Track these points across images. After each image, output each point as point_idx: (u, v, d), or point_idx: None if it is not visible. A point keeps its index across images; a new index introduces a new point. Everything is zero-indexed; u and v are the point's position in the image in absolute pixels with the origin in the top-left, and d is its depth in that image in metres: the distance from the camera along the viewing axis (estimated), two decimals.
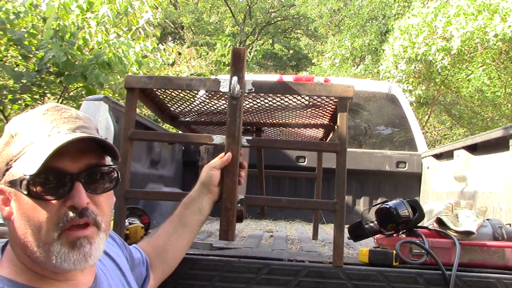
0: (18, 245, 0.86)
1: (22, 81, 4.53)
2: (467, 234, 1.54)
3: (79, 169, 0.86)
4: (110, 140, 1.97)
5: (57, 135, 0.86)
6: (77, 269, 0.86)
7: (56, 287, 0.88)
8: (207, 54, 10.72)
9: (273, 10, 20.36)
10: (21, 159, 0.84)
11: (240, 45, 16.53)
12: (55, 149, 0.81)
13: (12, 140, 0.87)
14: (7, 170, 0.86)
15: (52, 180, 0.84)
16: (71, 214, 0.84)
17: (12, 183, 0.85)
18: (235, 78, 1.44)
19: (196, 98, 1.88)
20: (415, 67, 9.34)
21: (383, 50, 10.91)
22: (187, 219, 1.37)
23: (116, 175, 0.92)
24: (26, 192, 0.83)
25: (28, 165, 0.82)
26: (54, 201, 0.84)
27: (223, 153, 1.45)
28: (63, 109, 0.92)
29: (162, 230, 1.36)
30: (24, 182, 0.82)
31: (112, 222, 1.58)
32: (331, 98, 1.72)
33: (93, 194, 0.88)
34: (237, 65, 1.45)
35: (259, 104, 1.90)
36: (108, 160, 0.94)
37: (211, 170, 1.41)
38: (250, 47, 16.07)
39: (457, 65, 9.36)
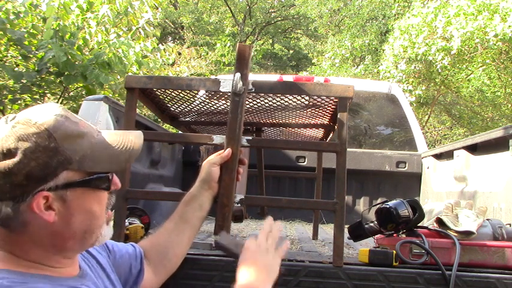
0: (40, 247, 0.89)
1: (22, 81, 4.53)
2: (467, 234, 1.54)
3: None
4: None
5: (106, 131, 0.98)
6: (104, 242, 1.02)
7: (53, 272, 0.91)
8: (207, 54, 10.72)
9: (273, 10, 20.36)
10: (87, 160, 0.90)
11: None
12: (138, 147, 0.98)
13: (57, 144, 0.87)
14: (54, 174, 0.86)
15: (110, 173, 0.96)
16: (112, 197, 1.00)
17: (69, 185, 0.88)
18: (238, 75, 1.43)
19: (196, 98, 1.88)
20: (415, 67, 9.34)
21: (383, 50, 10.92)
22: (188, 215, 1.37)
23: None
24: (104, 187, 0.93)
25: (103, 164, 0.92)
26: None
27: (223, 150, 1.45)
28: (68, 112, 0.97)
29: (163, 228, 1.37)
30: (103, 180, 0.93)
31: (112, 223, 1.58)
32: (331, 98, 1.72)
33: None
34: (241, 62, 1.44)
35: (259, 104, 1.90)
36: None
37: (211, 166, 1.41)
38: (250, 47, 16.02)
39: (457, 65, 9.36)
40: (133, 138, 0.99)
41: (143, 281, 1.23)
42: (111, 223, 1.02)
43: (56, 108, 0.90)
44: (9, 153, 0.83)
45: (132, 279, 1.21)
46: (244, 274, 1.10)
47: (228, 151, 1.43)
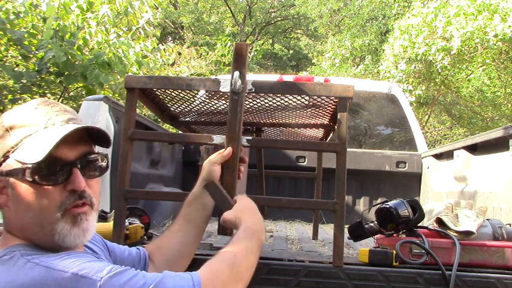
0: (15, 229, 0.94)
1: (22, 81, 4.53)
2: (467, 234, 1.54)
3: (75, 157, 0.96)
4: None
5: (53, 127, 0.95)
6: (77, 244, 0.95)
7: None
8: (207, 54, 10.72)
9: (273, 10, 20.36)
10: (21, 150, 0.92)
11: None
12: (62, 137, 0.90)
13: (8, 134, 0.94)
14: (3, 161, 0.93)
15: (53, 167, 0.92)
16: (72, 197, 0.94)
17: (10, 173, 0.92)
18: (236, 73, 1.44)
19: (196, 98, 1.88)
20: (415, 67, 9.34)
21: (383, 50, 10.92)
22: (192, 216, 1.37)
23: (106, 161, 1.03)
24: (30, 180, 0.91)
25: (31, 155, 0.90)
26: (55, 186, 0.93)
27: (224, 149, 1.45)
28: (52, 103, 1.00)
29: (168, 230, 1.37)
30: (28, 171, 0.90)
31: (112, 223, 1.58)
32: (331, 98, 1.71)
33: (88, 179, 0.98)
34: (239, 60, 1.45)
35: (259, 104, 1.90)
36: (96, 148, 1.04)
37: (212, 165, 1.41)
38: (250, 47, 16.07)
39: (457, 65, 9.36)
40: (64, 129, 0.93)
41: None
42: (83, 224, 0.96)
43: (31, 102, 1.00)
44: None
45: None
46: (249, 218, 1.19)
47: (228, 150, 1.43)
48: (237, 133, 1.45)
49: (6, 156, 0.93)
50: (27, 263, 0.84)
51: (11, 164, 0.92)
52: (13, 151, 0.93)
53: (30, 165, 0.90)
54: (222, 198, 1.32)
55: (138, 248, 1.28)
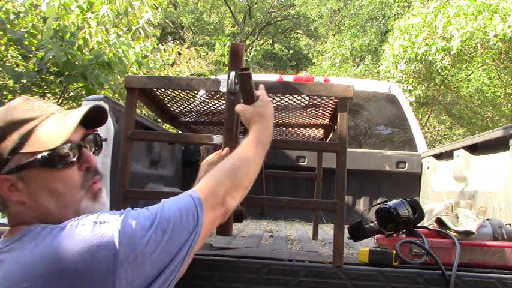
0: (37, 220, 0.95)
1: (22, 81, 4.53)
2: (467, 234, 1.54)
3: (79, 138, 1.01)
4: (110, 141, 1.97)
5: (53, 115, 0.99)
6: None
7: None
8: (207, 54, 10.72)
9: (273, 10, 20.36)
10: (32, 141, 0.95)
11: None
12: (79, 119, 0.96)
13: (7, 131, 0.95)
14: (9, 159, 0.95)
15: (67, 150, 0.97)
16: (90, 174, 1.01)
17: (24, 166, 0.94)
18: (233, 74, 1.44)
19: (196, 98, 1.88)
20: (415, 67, 9.34)
21: (383, 50, 10.92)
22: None
23: (100, 139, 1.10)
24: (50, 165, 0.95)
25: (46, 143, 0.94)
26: (72, 167, 0.98)
27: (221, 150, 1.45)
28: (35, 99, 1.04)
29: None
30: (46, 158, 0.94)
31: (103, 197, 1.57)
32: (331, 98, 1.71)
33: (94, 155, 1.05)
34: (235, 60, 1.45)
35: None
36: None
37: (209, 165, 1.42)
38: (250, 47, 16.07)
39: (457, 65, 9.36)
40: (79, 113, 1.00)
41: None
42: (102, 198, 1.03)
43: (18, 99, 1.01)
44: None
45: None
46: (261, 127, 1.28)
47: (226, 150, 1.44)
48: (234, 133, 1.45)
49: (14, 153, 0.95)
50: (51, 231, 0.87)
51: (21, 158, 0.94)
52: (23, 145, 0.95)
53: (48, 152, 0.94)
54: (249, 91, 1.33)
55: None
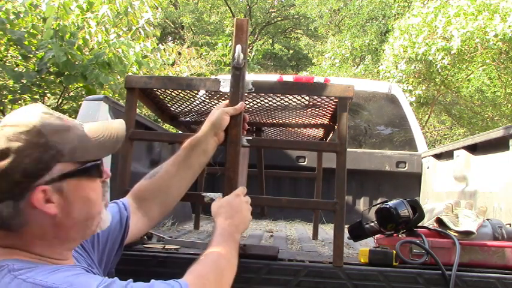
0: (55, 237, 0.93)
1: (22, 81, 4.53)
2: (467, 234, 1.54)
3: None
4: None
5: (83, 127, 0.99)
6: (106, 226, 1.05)
7: (57, 264, 0.94)
8: (207, 54, 10.72)
9: (273, 10, 20.36)
10: (77, 151, 0.93)
11: None
12: (124, 131, 1.02)
13: (48, 141, 0.90)
14: (48, 168, 0.90)
15: (100, 161, 1.00)
16: (106, 185, 1.03)
17: (65, 176, 0.91)
18: (239, 47, 1.44)
19: (196, 98, 1.88)
20: (415, 67, 9.34)
21: (383, 50, 10.92)
22: (192, 161, 1.38)
23: None
24: (98, 175, 0.98)
25: (94, 152, 0.96)
26: (100, 178, 1.00)
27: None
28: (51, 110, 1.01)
29: (165, 171, 1.38)
30: (92, 168, 0.96)
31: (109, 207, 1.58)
32: (331, 98, 1.71)
33: None
34: (240, 35, 1.45)
35: (259, 104, 1.90)
36: None
37: (223, 114, 1.42)
38: (251, 47, 16.08)
39: (457, 65, 9.36)
40: (117, 125, 1.03)
41: (131, 228, 1.27)
42: (108, 207, 1.06)
43: (40, 107, 0.96)
44: (1, 155, 0.87)
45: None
46: (224, 218, 1.25)
47: (240, 104, 1.45)
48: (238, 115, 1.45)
49: (55, 162, 0.91)
50: (14, 279, 0.82)
51: (63, 168, 0.91)
52: (65, 154, 0.92)
53: (94, 163, 0.96)
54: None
55: (116, 203, 1.29)
